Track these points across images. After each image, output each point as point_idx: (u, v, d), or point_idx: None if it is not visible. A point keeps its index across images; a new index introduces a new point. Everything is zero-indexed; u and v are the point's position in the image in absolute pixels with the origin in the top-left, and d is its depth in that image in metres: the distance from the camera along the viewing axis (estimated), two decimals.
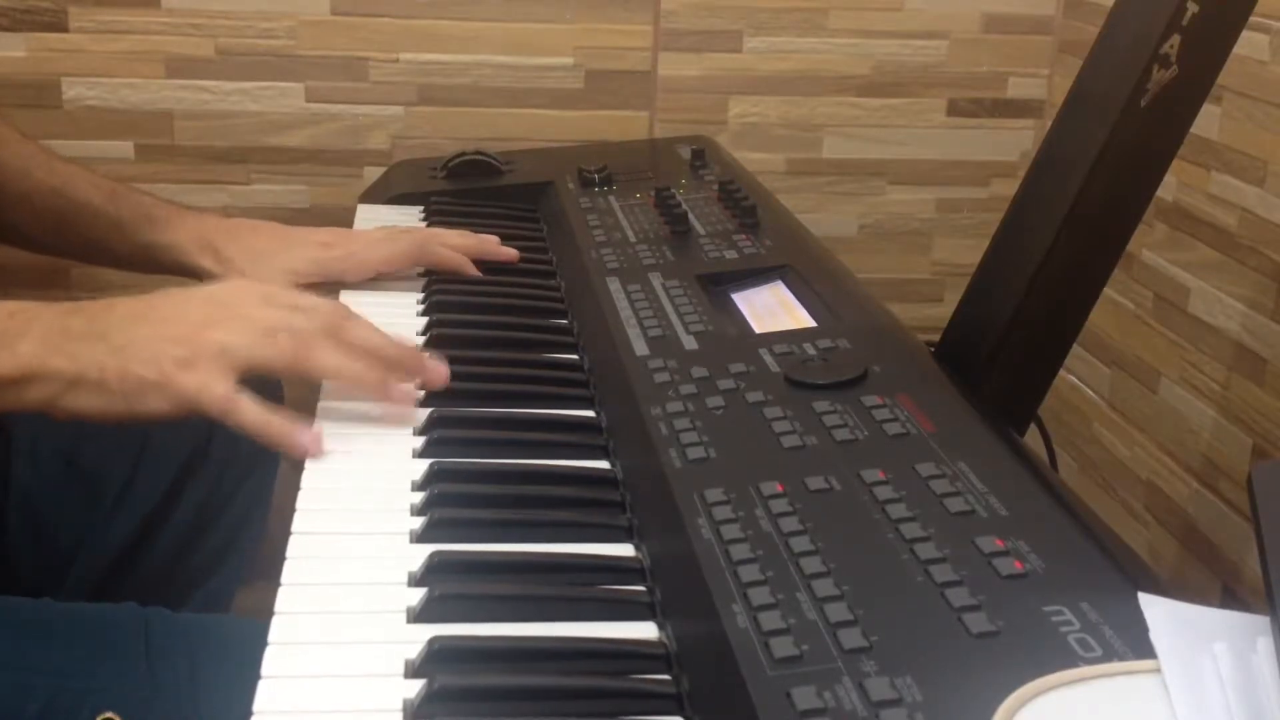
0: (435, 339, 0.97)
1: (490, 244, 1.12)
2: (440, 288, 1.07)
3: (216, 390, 0.81)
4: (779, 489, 0.69)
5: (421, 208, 1.29)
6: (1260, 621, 0.56)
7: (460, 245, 1.11)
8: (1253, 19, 0.97)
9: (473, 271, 1.10)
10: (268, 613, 0.65)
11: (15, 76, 1.43)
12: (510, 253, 1.12)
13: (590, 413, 0.88)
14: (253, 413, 0.81)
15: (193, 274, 1.09)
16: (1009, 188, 1.51)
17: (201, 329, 0.83)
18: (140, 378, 0.81)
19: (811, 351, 0.87)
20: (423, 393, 0.88)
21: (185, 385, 0.81)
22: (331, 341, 0.84)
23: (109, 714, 0.79)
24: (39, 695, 0.80)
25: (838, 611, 0.59)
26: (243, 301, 0.86)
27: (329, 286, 1.07)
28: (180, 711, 0.81)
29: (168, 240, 1.10)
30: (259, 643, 0.62)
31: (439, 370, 0.87)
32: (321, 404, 0.88)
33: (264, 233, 1.10)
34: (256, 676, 0.60)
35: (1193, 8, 0.82)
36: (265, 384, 1.15)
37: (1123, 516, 1.39)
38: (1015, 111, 1.59)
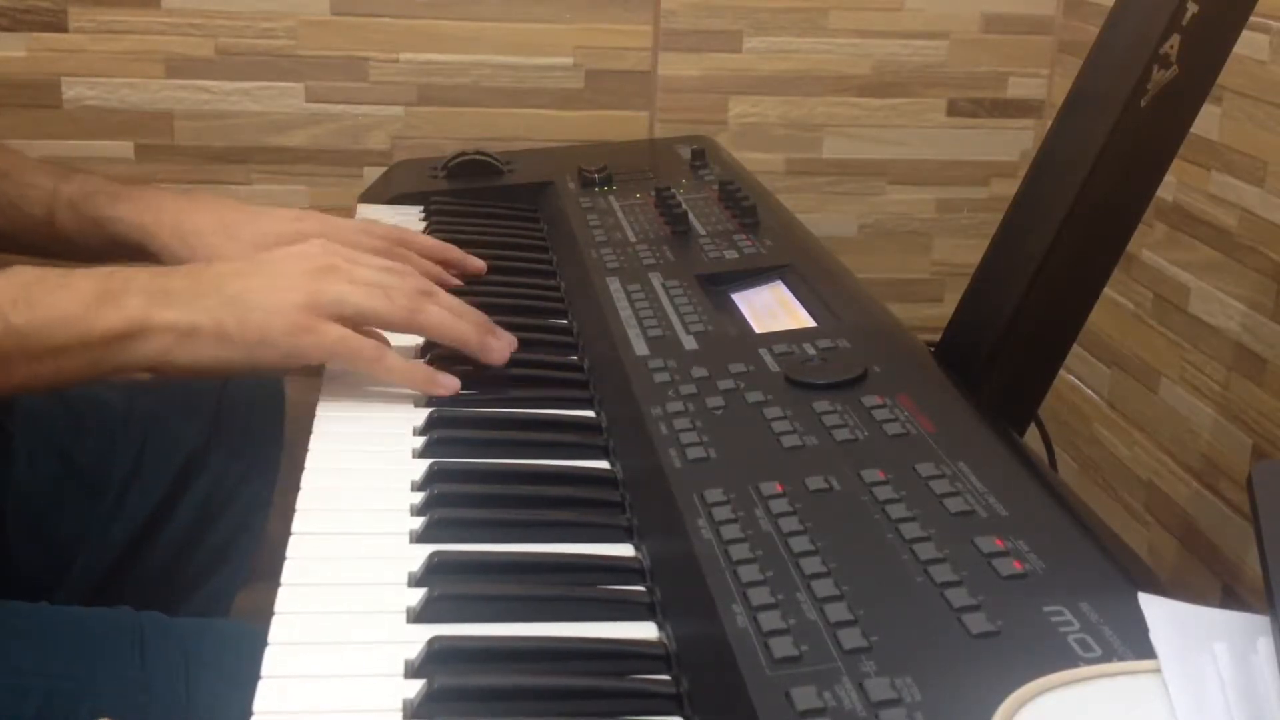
0: None
1: (455, 252, 1.09)
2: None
3: (361, 340, 0.85)
4: (779, 489, 0.69)
5: (421, 208, 1.29)
6: (1260, 621, 0.56)
7: (434, 249, 1.07)
8: (1253, 19, 0.97)
9: (452, 281, 1.05)
10: (267, 614, 0.65)
11: (15, 76, 1.44)
12: (478, 264, 1.09)
13: (590, 413, 0.88)
14: (398, 361, 0.86)
15: (151, 251, 1.05)
16: (1009, 188, 1.51)
17: (310, 279, 0.86)
18: (263, 326, 0.83)
19: (811, 351, 0.87)
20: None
21: (325, 334, 0.84)
22: (431, 300, 0.89)
23: (104, 718, 0.79)
24: (34, 699, 0.80)
25: (837, 611, 0.59)
26: (333, 255, 0.89)
27: None
28: (174, 715, 0.81)
29: (122, 214, 1.06)
30: (253, 646, 0.62)
31: (509, 339, 0.91)
32: (321, 403, 0.88)
33: (228, 205, 1.08)
34: (250, 680, 0.60)
35: (1193, 8, 0.82)
36: (264, 384, 1.16)
37: (1123, 516, 1.39)
38: (1015, 111, 1.59)
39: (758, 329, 0.93)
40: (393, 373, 0.86)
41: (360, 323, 0.86)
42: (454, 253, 1.09)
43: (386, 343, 0.89)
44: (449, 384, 0.87)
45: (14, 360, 0.81)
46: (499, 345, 0.89)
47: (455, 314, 0.89)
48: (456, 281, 1.06)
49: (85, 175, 1.10)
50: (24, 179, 1.10)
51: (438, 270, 1.05)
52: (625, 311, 0.97)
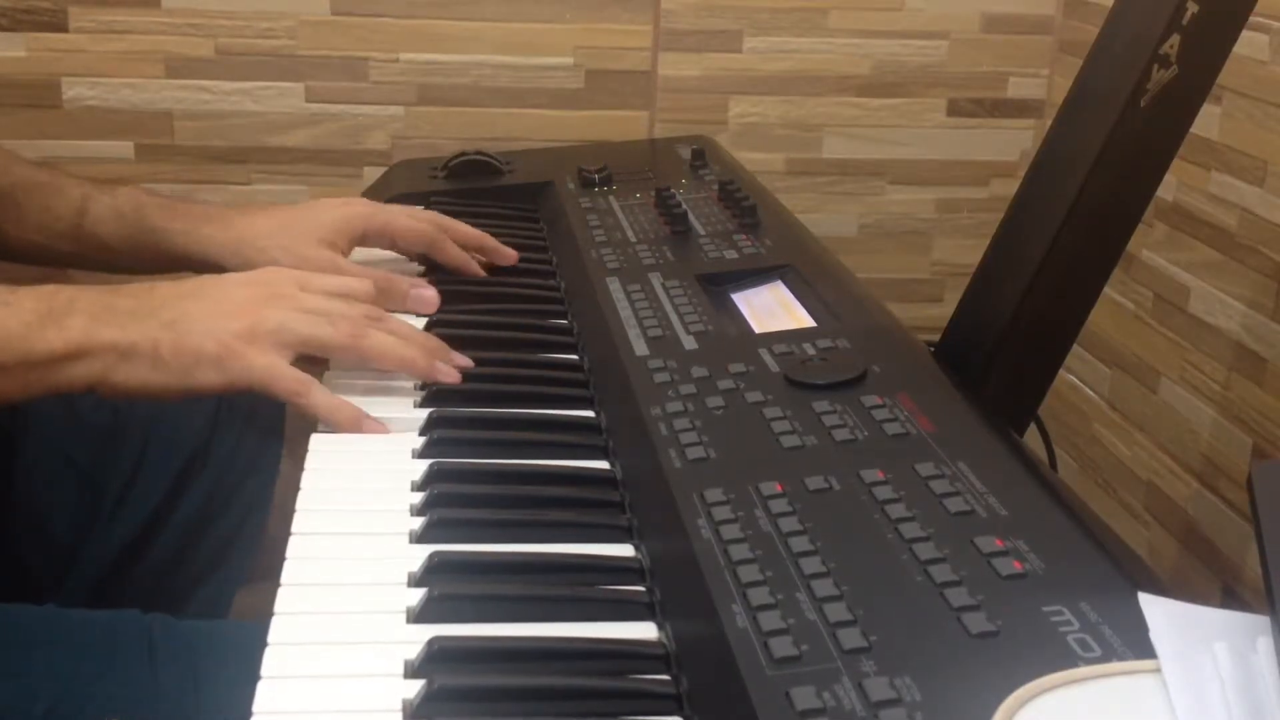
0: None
1: (490, 241, 1.13)
2: (440, 287, 1.07)
3: (286, 370, 0.83)
4: (779, 489, 0.69)
5: (422, 208, 1.29)
6: (1260, 621, 0.56)
7: (472, 237, 1.12)
8: (1253, 19, 0.97)
9: (478, 272, 1.10)
10: (268, 613, 0.65)
11: (15, 76, 1.44)
12: (510, 254, 1.13)
13: (590, 413, 0.88)
14: (324, 397, 0.84)
15: (212, 259, 1.05)
16: (1009, 188, 1.51)
17: (256, 306, 0.85)
18: (197, 350, 0.82)
19: (811, 351, 0.87)
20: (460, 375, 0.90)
21: (253, 362, 0.83)
22: (377, 326, 0.88)
23: (112, 719, 0.79)
24: (43, 701, 0.80)
25: (837, 611, 0.59)
26: (286, 284, 0.88)
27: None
28: (183, 716, 0.81)
29: (180, 226, 1.06)
30: (261, 647, 0.62)
31: (463, 363, 0.91)
32: None
33: (275, 206, 1.11)
34: (258, 680, 0.60)
35: (1193, 8, 0.82)
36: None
37: (1123, 516, 1.39)
38: (1015, 111, 1.59)
39: (758, 329, 0.93)
40: (317, 408, 0.84)
41: (304, 350, 0.85)
42: (490, 241, 1.12)
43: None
44: (375, 429, 0.84)
45: None
46: (448, 370, 0.89)
47: (402, 340, 0.88)
48: (481, 272, 1.11)
49: (129, 188, 1.11)
50: (68, 189, 1.10)
51: (464, 258, 1.10)
52: (625, 311, 0.97)
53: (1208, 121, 1.22)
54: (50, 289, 0.83)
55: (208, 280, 0.89)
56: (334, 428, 0.84)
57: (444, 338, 0.95)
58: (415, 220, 1.11)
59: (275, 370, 0.83)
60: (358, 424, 0.84)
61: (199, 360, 0.82)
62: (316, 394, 0.84)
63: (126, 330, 0.82)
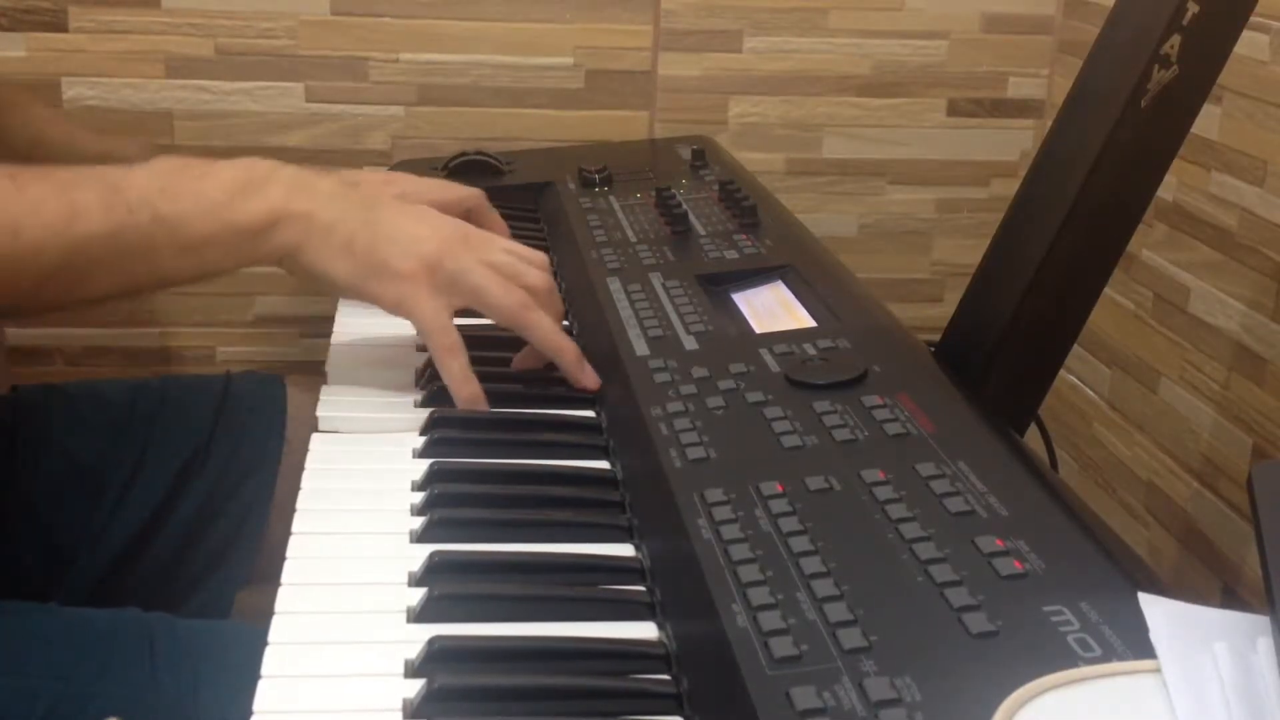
0: None
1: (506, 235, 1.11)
2: None
3: (445, 323, 0.84)
4: (779, 489, 0.69)
5: (456, 185, 1.28)
6: (1260, 621, 0.56)
7: (499, 227, 1.10)
8: (1253, 19, 0.97)
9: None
10: (268, 613, 0.65)
11: (15, 76, 1.43)
12: None
13: (590, 413, 0.88)
14: (461, 366, 0.85)
15: None
16: (1009, 188, 1.51)
17: (449, 242, 0.86)
18: (385, 261, 0.84)
19: (811, 351, 0.87)
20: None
21: (421, 302, 0.84)
22: (545, 305, 0.88)
23: (113, 719, 0.79)
24: (43, 700, 0.80)
25: (837, 611, 0.59)
26: (481, 234, 0.90)
27: None
28: (183, 715, 0.81)
29: None
30: (261, 647, 0.62)
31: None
32: (322, 402, 0.88)
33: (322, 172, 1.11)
34: (258, 680, 0.60)
35: (1193, 8, 0.82)
36: (265, 379, 1.16)
37: (1123, 516, 1.39)
38: (1015, 111, 1.59)
39: (758, 329, 0.93)
40: (452, 373, 0.85)
41: (472, 303, 0.87)
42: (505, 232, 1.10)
43: None
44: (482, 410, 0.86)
45: (162, 250, 0.83)
46: (593, 374, 0.89)
47: (559, 329, 0.89)
48: None
49: (142, 146, 1.11)
50: (77, 143, 1.10)
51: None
52: (625, 311, 0.97)
53: (1208, 121, 1.22)
54: (249, 161, 0.86)
55: (414, 206, 0.90)
56: (454, 399, 0.85)
57: None
58: (445, 190, 1.09)
59: (436, 320, 0.85)
60: (474, 406, 0.85)
61: (384, 270, 0.84)
62: (457, 359, 0.85)
63: (330, 208, 0.84)
